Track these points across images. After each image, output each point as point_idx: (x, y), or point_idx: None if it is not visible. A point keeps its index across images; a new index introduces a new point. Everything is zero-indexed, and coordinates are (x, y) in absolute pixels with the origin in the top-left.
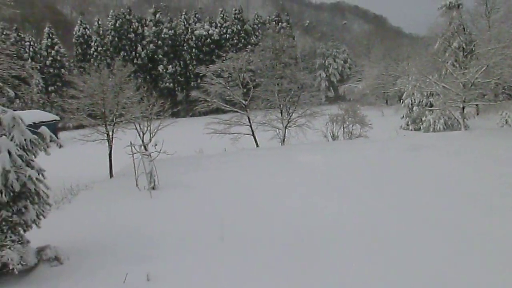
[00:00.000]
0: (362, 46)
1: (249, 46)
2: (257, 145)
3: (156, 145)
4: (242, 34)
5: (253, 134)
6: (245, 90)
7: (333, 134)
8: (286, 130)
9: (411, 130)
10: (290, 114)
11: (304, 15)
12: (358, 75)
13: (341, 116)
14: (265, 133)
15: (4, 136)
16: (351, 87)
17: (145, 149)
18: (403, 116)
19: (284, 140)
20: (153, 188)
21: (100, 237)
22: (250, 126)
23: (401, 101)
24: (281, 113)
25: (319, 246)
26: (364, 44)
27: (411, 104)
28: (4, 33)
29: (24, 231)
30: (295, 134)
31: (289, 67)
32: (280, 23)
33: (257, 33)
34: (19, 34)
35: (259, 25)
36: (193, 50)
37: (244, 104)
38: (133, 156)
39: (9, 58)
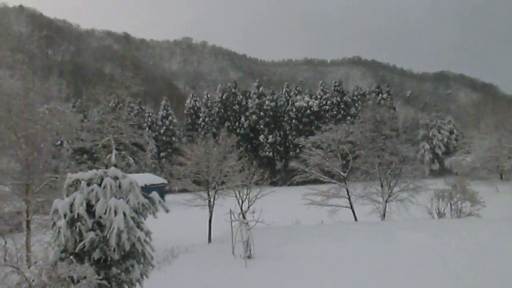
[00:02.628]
0: (470, 116)
1: (349, 118)
2: (356, 219)
3: (254, 212)
4: (342, 106)
5: (351, 207)
6: (344, 162)
7: (439, 211)
8: (387, 204)
9: None
10: (391, 188)
11: (405, 85)
12: (466, 147)
13: (448, 192)
14: (364, 206)
15: (121, 199)
16: (459, 160)
17: (243, 217)
18: None
19: (384, 215)
20: (248, 257)
21: None
22: (349, 198)
23: None
24: (382, 186)
25: None
26: (472, 114)
27: None
28: (129, 106)
29: None
30: (396, 209)
31: (390, 139)
32: (380, 94)
33: (356, 105)
34: (141, 106)
35: (358, 97)
36: (293, 121)
37: (343, 176)
38: (231, 224)
39: (131, 128)
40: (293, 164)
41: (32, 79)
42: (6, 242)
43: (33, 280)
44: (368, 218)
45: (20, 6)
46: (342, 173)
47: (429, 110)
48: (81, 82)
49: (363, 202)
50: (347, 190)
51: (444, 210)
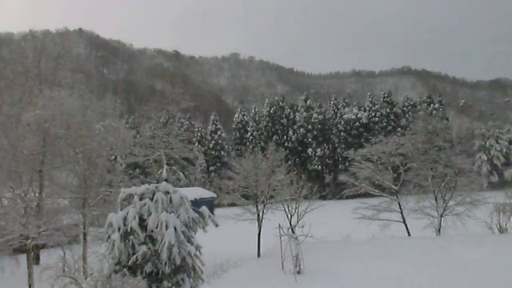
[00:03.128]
0: None
1: (399, 129)
2: (409, 234)
3: (303, 227)
4: (392, 117)
5: (404, 222)
6: (395, 175)
7: (500, 226)
8: (442, 218)
9: None
10: (447, 202)
11: (458, 94)
12: None
13: (510, 205)
14: (417, 221)
15: (172, 214)
16: None
17: (293, 231)
18: None
19: (439, 229)
20: (298, 272)
21: None
22: (401, 212)
23: None
24: (436, 200)
25: None
26: None
27: None
28: (180, 121)
29: None
30: (452, 223)
31: (444, 150)
32: (431, 104)
33: (407, 116)
34: (191, 121)
35: (409, 107)
36: (342, 133)
37: (394, 189)
38: (280, 238)
39: (182, 142)
40: (342, 177)
41: (89, 97)
42: (65, 253)
43: None
44: (422, 233)
45: (80, 29)
46: (394, 186)
47: (485, 119)
48: (134, 99)
49: (416, 216)
50: (399, 204)
51: (506, 225)
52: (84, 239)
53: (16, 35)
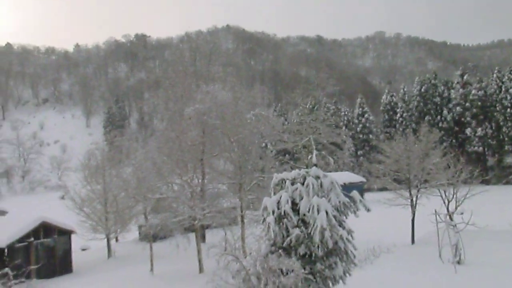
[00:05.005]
0: None
1: None
2: None
3: (462, 214)
4: None
5: None
6: None
7: None
8: None
9: None
10: None
11: None
12: None
13: None
14: None
15: (323, 198)
16: None
17: (451, 218)
18: None
19: None
20: (458, 263)
21: None
22: None
23: None
24: None
25: None
26: None
27: None
28: (326, 106)
29: (333, 284)
30: None
31: None
32: None
33: None
34: (337, 106)
35: None
36: (508, 110)
37: None
38: (437, 225)
39: (329, 127)
40: (510, 160)
41: (239, 89)
42: (226, 233)
43: (249, 269)
44: None
45: (227, 25)
46: None
47: None
48: (280, 87)
49: None
50: None
51: None
52: (242, 221)
53: (174, 38)
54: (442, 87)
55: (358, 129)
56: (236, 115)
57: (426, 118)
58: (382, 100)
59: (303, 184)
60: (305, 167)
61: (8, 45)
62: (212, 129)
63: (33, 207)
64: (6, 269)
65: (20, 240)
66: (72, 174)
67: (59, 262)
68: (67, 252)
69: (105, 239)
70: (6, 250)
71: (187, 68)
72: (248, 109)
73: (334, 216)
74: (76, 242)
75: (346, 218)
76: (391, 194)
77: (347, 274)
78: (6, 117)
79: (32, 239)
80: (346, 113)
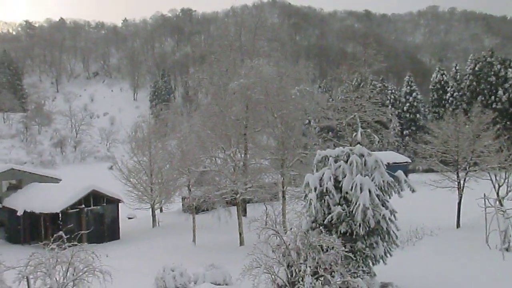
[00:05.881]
0: None
1: None
2: None
3: None
4: None
5: None
6: None
7: None
8: None
9: None
10: None
11: None
12: None
13: None
14: None
15: (367, 177)
16: None
17: (501, 204)
18: None
19: None
20: (506, 250)
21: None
22: None
23: None
24: None
25: None
26: None
27: None
28: (372, 83)
29: (373, 264)
30: None
31: None
32: None
33: None
34: (383, 83)
35: None
36: None
37: None
38: (485, 210)
39: (374, 105)
40: None
41: (284, 64)
42: (267, 208)
43: (289, 244)
44: None
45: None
46: None
47: None
48: (326, 63)
49: None
50: None
51: None
52: (283, 196)
53: (220, 13)
54: (499, 66)
55: (405, 108)
56: (280, 90)
57: (478, 98)
58: (432, 79)
59: (346, 162)
60: (348, 145)
61: (62, 20)
62: (255, 104)
63: (84, 176)
64: (60, 232)
65: (72, 206)
66: (120, 145)
67: (107, 229)
68: (115, 220)
69: (150, 209)
70: (60, 215)
71: (232, 42)
72: (293, 85)
73: (377, 196)
74: (123, 211)
75: (390, 198)
76: (437, 176)
77: (388, 255)
78: (59, 89)
79: (83, 206)
80: (393, 91)
